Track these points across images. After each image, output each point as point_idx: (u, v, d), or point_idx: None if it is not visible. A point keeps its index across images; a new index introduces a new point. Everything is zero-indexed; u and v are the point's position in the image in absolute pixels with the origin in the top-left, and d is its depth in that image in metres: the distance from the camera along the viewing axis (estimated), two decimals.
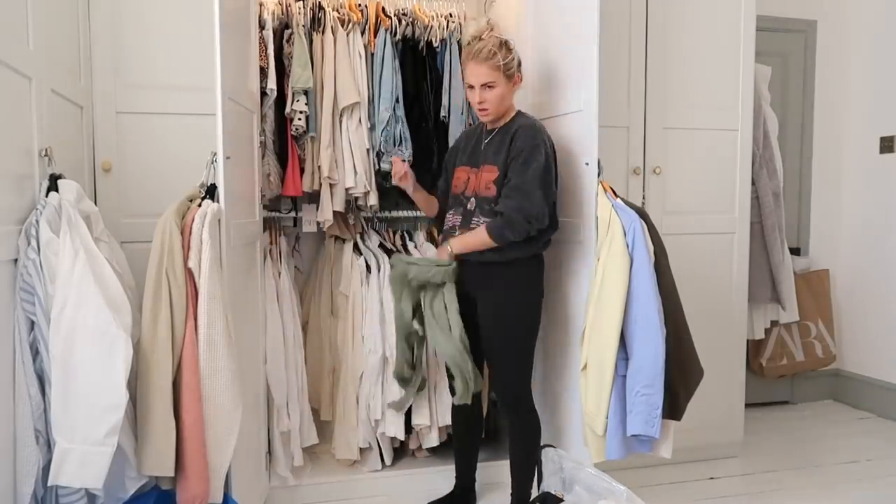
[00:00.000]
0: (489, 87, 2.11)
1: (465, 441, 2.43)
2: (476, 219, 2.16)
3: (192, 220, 1.78)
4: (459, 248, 2.15)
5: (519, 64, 2.16)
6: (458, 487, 2.45)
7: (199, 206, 1.84)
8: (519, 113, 2.24)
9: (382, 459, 2.68)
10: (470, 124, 2.77)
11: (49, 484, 1.52)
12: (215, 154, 1.92)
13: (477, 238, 2.11)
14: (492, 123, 2.22)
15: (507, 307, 2.16)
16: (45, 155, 1.69)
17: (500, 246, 2.09)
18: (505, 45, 2.11)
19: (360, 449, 2.67)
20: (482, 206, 2.15)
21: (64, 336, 1.51)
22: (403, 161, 2.41)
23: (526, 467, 2.23)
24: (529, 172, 2.06)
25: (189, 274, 1.75)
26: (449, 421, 2.61)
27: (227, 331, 1.78)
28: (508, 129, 2.17)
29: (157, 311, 1.70)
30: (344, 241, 2.80)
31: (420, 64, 2.74)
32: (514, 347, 2.19)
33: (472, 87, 2.14)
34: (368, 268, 2.66)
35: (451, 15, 2.79)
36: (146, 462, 1.68)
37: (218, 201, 1.90)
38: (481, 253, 2.13)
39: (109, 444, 1.54)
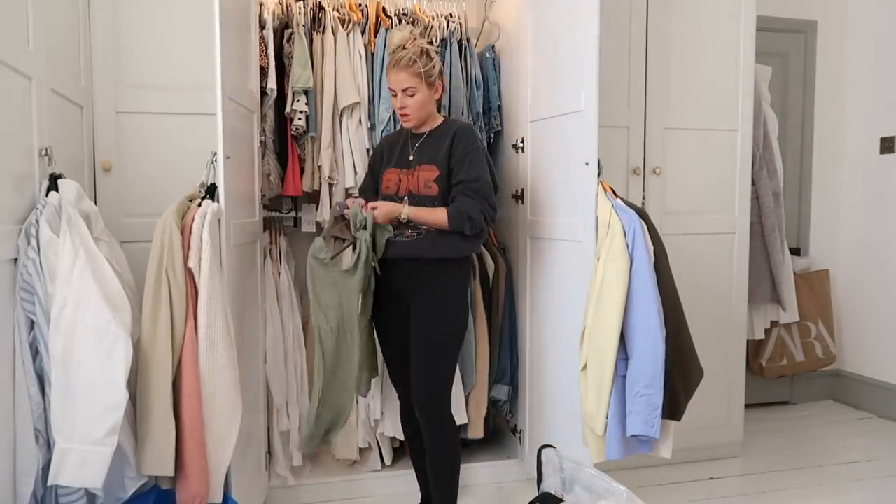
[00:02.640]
0: (409, 93, 2.11)
1: (420, 457, 2.29)
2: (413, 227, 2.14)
3: (192, 220, 1.78)
4: (412, 214, 2.09)
5: (440, 72, 2.18)
6: (424, 501, 2.35)
7: (199, 205, 1.84)
8: (447, 118, 2.29)
9: (382, 459, 2.68)
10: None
11: (49, 484, 1.52)
12: (215, 154, 1.92)
13: (434, 216, 2.08)
14: (417, 128, 2.21)
15: (446, 308, 2.14)
16: (45, 155, 1.70)
17: (446, 229, 2.07)
18: (426, 54, 2.12)
19: (360, 449, 2.67)
20: (423, 204, 2.11)
21: (64, 335, 1.51)
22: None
23: (450, 479, 2.16)
24: (484, 175, 2.12)
25: (189, 274, 1.75)
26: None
27: (227, 330, 1.78)
28: (445, 131, 2.17)
29: (157, 310, 1.70)
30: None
31: None
32: (446, 352, 2.15)
33: (394, 93, 2.14)
34: None
35: (451, 15, 2.80)
36: (146, 461, 1.68)
37: (218, 201, 1.90)
38: (431, 248, 2.10)
39: (109, 444, 1.54)
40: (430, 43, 2.32)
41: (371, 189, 2.28)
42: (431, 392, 2.13)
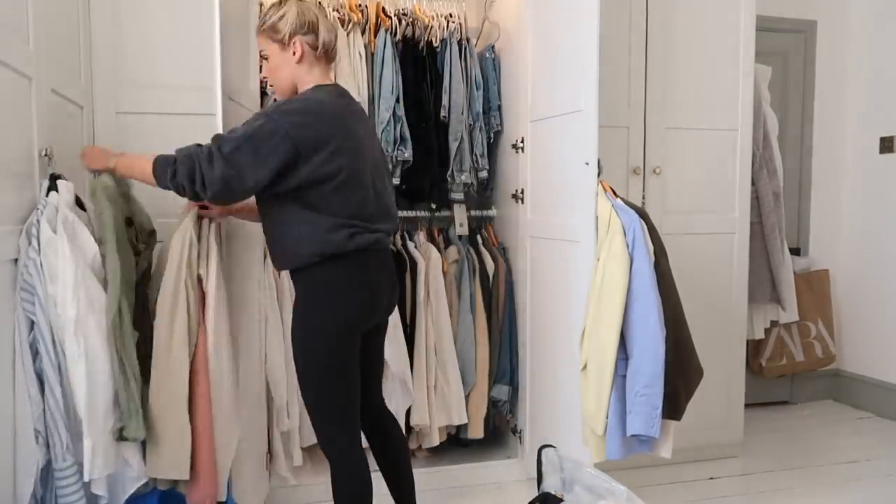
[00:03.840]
0: (264, 57, 1.77)
1: (381, 463, 2.07)
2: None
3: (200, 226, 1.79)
4: (121, 163, 1.71)
5: (303, 27, 1.73)
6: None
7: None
8: (309, 90, 1.78)
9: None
10: (470, 125, 2.78)
11: (86, 479, 1.54)
12: None
13: (141, 160, 1.70)
14: None
15: (294, 333, 1.79)
16: (46, 155, 1.69)
17: (160, 183, 1.68)
18: (277, 4, 1.74)
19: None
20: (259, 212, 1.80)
21: (84, 335, 1.53)
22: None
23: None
24: (237, 131, 1.68)
25: (198, 280, 1.77)
26: (449, 420, 2.61)
27: (229, 335, 1.79)
28: None
29: (174, 317, 1.71)
30: None
31: (420, 64, 2.74)
32: (304, 383, 1.79)
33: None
34: None
35: (451, 15, 2.80)
36: (160, 465, 1.69)
37: None
38: (279, 255, 1.79)
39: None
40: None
41: None
42: (317, 431, 1.85)
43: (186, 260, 1.73)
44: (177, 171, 1.63)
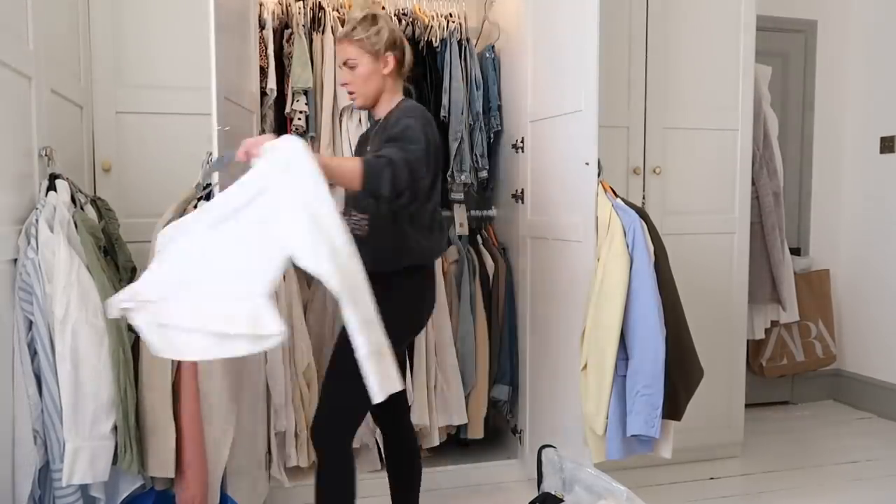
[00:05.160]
0: (350, 66, 1.82)
1: (392, 468, 2.13)
2: (349, 217, 1.83)
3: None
4: (327, 164, 1.55)
5: (393, 43, 1.83)
6: None
7: (195, 207, 1.84)
8: (405, 100, 1.91)
9: (381, 459, 2.68)
10: (470, 125, 2.78)
11: (64, 484, 1.53)
12: (210, 154, 1.92)
13: (349, 165, 1.62)
14: (375, 111, 1.92)
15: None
16: (45, 155, 1.69)
17: (367, 189, 1.62)
18: (370, 19, 1.81)
19: (358, 448, 2.67)
20: (356, 201, 1.81)
21: (71, 335, 1.53)
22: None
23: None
24: (411, 130, 1.71)
25: None
26: (449, 421, 2.61)
27: None
28: (399, 115, 1.81)
29: None
30: None
31: (420, 64, 2.74)
32: (333, 374, 1.84)
33: (340, 67, 1.88)
34: None
35: (451, 15, 2.80)
36: (148, 462, 1.68)
37: None
38: (374, 262, 1.56)
39: (113, 438, 1.58)
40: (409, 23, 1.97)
41: None
42: (320, 419, 1.86)
43: None
44: (392, 176, 1.62)
